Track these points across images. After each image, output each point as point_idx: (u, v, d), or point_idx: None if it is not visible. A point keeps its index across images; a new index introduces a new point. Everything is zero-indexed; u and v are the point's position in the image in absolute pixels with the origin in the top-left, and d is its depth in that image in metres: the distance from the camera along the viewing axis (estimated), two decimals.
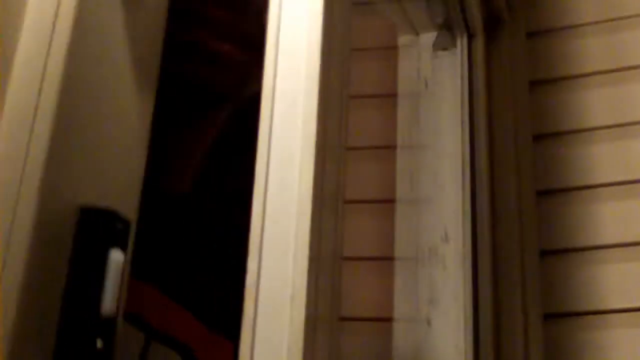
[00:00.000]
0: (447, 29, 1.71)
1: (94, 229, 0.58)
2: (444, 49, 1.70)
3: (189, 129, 0.98)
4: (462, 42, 1.71)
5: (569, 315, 1.55)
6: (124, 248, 0.59)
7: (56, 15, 0.61)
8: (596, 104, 1.69)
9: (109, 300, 0.57)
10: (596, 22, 1.75)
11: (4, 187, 0.56)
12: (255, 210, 0.70)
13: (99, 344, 0.57)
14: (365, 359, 1.58)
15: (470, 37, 1.73)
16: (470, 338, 1.42)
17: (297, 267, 0.68)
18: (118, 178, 0.62)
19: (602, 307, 1.54)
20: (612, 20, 1.74)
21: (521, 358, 1.50)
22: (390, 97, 1.75)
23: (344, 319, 1.60)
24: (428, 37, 1.72)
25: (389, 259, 1.60)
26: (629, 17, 1.73)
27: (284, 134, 0.76)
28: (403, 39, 1.75)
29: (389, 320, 1.54)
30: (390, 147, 1.69)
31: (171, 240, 0.96)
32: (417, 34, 1.73)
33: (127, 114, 0.64)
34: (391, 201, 1.64)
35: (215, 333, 0.94)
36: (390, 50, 1.78)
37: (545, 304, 1.56)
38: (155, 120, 0.78)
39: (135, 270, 0.88)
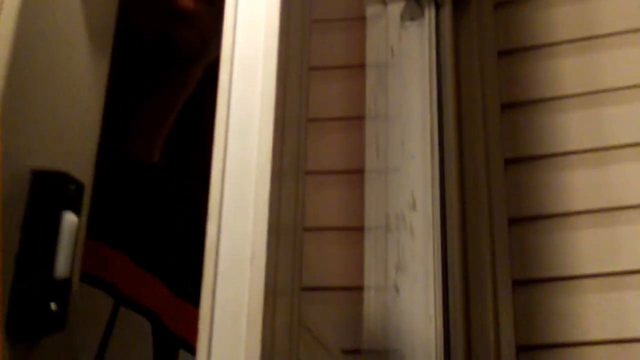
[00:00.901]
0: None
1: (46, 191, 0.57)
2: (412, 19, 1.70)
3: (157, 93, 0.97)
4: (429, 12, 1.71)
5: (539, 281, 1.57)
6: (77, 210, 0.59)
7: None
8: (566, 72, 1.69)
9: (63, 262, 0.57)
10: None
11: None
12: (214, 173, 0.70)
13: (53, 306, 0.57)
14: (337, 328, 1.59)
15: (438, 7, 1.73)
16: (439, 304, 1.43)
17: (257, 230, 0.68)
18: (72, 141, 0.62)
19: (571, 272, 1.55)
20: None
21: (491, 324, 1.51)
22: (358, 68, 1.75)
23: (315, 288, 1.61)
24: (396, 7, 1.72)
25: (359, 228, 1.60)
26: None
27: (242, 100, 0.76)
28: (371, 9, 1.75)
29: (360, 289, 1.55)
30: (359, 118, 1.69)
31: (139, 207, 0.96)
32: (385, 4, 1.73)
33: (80, 75, 0.63)
34: (360, 171, 1.64)
35: (181, 298, 0.95)
36: (358, 21, 1.78)
37: (515, 271, 1.57)
38: (120, 84, 0.77)
39: (105, 236, 0.88)
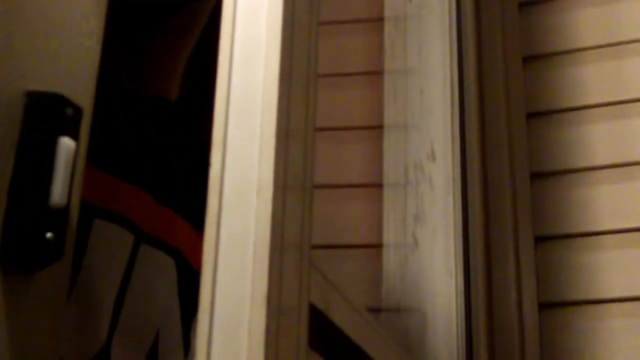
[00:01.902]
0: None
1: (41, 114, 0.54)
2: None
3: (170, 30, 0.95)
4: None
5: (562, 238, 1.53)
6: (75, 135, 0.56)
7: None
8: (586, 24, 1.65)
9: (59, 190, 0.54)
10: None
11: None
12: (218, 101, 0.67)
13: (49, 236, 0.54)
14: (357, 286, 1.56)
15: None
16: (460, 260, 1.40)
17: (264, 162, 0.65)
18: (69, 63, 0.58)
19: (594, 229, 1.52)
20: None
21: (513, 281, 1.48)
22: (377, 21, 1.71)
23: (335, 246, 1.58)
24: None
25: (379, 185, 1.57)
26: None
27: (248, 26, 0.72)
28: None
29: (380, 246, 1.52)
30: (377, 73, 1.65)
31: (158, 143, 0.94)
32: None
33: None
34: (379, 127, 1.61)
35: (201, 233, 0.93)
36: None
37: (537, 227, 1.54)
38: (134, 19, 0.74)
39: (124, 173, 0.86)
